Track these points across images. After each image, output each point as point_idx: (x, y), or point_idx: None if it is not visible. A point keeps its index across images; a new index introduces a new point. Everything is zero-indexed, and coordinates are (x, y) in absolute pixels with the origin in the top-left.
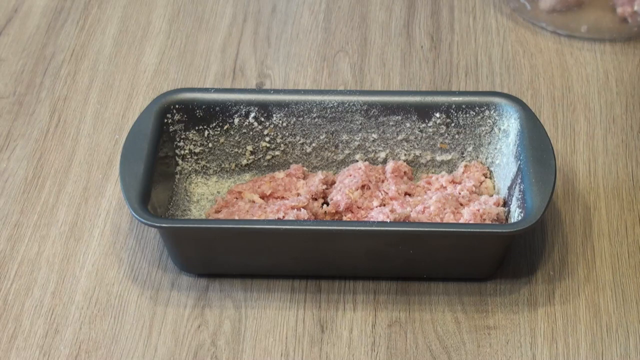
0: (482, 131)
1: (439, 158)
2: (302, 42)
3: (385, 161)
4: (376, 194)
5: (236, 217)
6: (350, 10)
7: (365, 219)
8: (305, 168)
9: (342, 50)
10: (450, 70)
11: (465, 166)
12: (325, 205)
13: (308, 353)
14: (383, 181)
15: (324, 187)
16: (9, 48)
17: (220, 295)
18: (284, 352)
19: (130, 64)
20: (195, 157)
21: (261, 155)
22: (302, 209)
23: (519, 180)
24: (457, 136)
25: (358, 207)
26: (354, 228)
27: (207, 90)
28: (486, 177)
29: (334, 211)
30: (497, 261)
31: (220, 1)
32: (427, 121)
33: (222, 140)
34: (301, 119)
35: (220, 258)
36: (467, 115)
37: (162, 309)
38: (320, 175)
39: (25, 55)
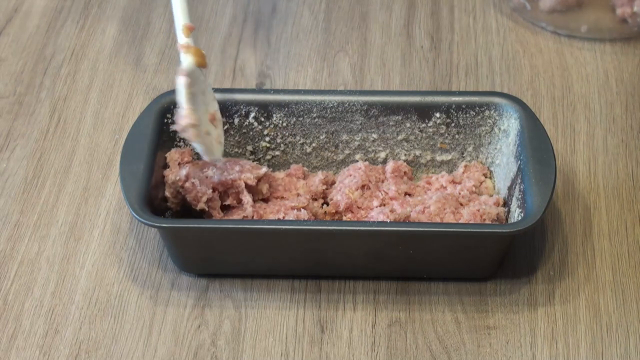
0: (482, 131)
1: (439, 158)
2: (302, 42)
3: (385, 161)
4: (376, 194)
5: (236, 217)
6: (350, 10)
7: (365, 219)
8: (305, 168)
9: (342, 50)
10: (450, 70)
11: (465, 166)
12: (325, 205)
13: (308, 353)
14: (383, 181)
15: (324, 187)
16: (9, 48)
17: (220, 295)
18: (284, 352)
19: (130, 64)
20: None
21: (261, 155)
22: (302, 209)
23: (519, 180)
24: (457, 136)
25: (358, 207)
26: (354, 228)
27: None
28: (486, 177)
29: (334, 211)
30: (497, 261)
31: (220, 1)
32: (427, 121)
33: None
34: (301, 119)
35: (220, 258)
36: (467, 115)
37: (162, 309)
38: (320, 175)
39: (25, 55)
